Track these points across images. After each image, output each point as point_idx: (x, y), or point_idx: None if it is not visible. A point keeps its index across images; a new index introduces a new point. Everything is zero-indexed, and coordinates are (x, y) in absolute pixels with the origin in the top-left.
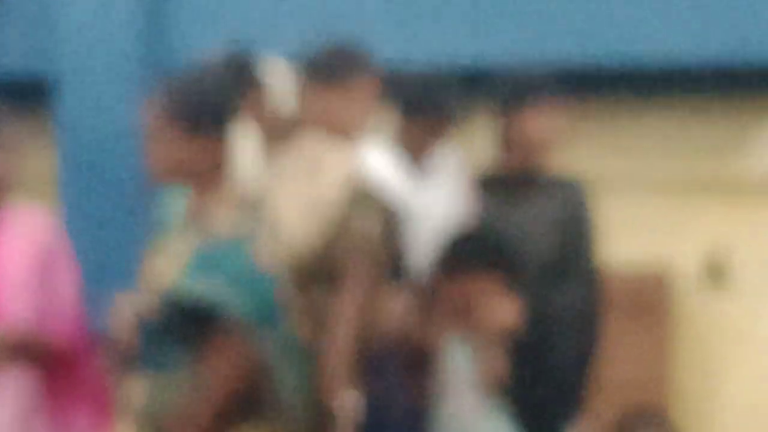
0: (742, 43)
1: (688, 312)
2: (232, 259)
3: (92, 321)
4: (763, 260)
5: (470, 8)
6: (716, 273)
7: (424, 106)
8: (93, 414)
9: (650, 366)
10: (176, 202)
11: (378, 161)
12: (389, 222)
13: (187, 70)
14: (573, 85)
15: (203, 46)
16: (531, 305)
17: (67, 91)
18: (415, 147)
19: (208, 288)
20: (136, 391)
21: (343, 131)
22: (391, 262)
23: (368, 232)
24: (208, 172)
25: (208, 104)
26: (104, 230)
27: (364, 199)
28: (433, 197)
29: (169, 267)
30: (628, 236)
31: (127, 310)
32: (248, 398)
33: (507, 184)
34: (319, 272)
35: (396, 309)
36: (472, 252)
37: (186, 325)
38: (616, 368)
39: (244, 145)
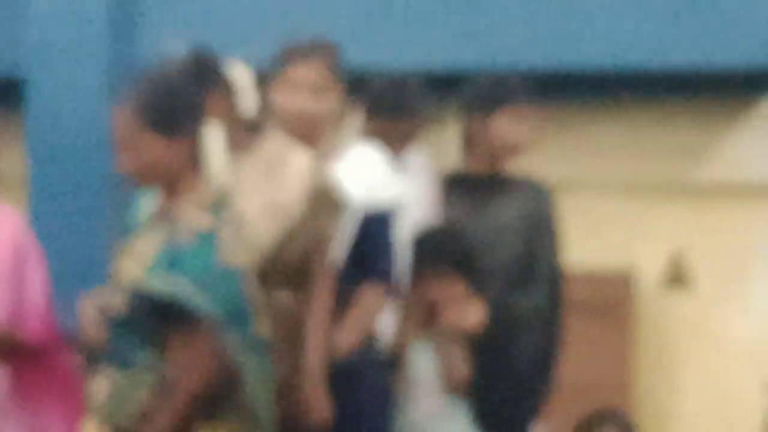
0: (707, 48)
1: (651, 313)
2: (198, 259)
3: (61, 320)
4: (724, 262)
5: (436, 13)
6: (678, 275)
7: (391, 107)
8: (64, 411)
9: (612, 366)
10: (147, 203)
11: (370, 161)
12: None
13: (153, 70)
14: (538, 89)
15: (174, 46)
16: (495, 306)
17: (36, 92)
18: (383, 149)
19: (174, 286)
20: (100, 387)
21: (308, 131)
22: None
23: (328, 232)
24: (177, 173)
25: (178, 105)
26: (74, 230)
27: (325, 198)
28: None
29: (137, 266)
30: (592, 238)
31: (93, 308)
32: (214, 396)
33: (474, 185)
34: (278, 272)
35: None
36: (435, 254)
37: (152, 322)
38: (579, 368)
39: (210, 145)
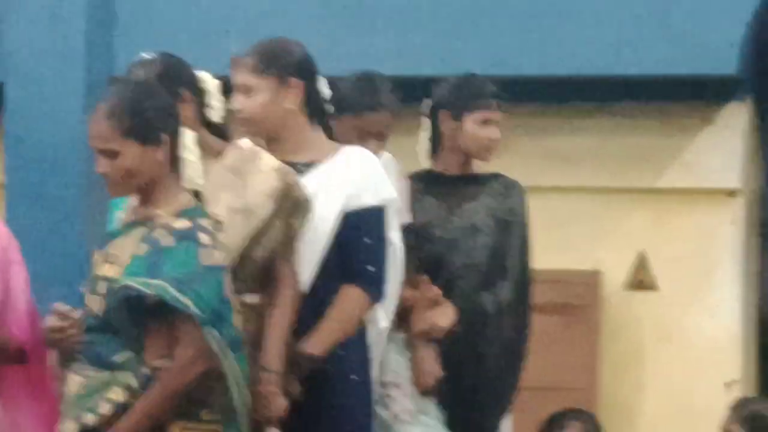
0: (671, 56)
1: (616, 314)
2: (180, 259)
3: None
4: (688, 266)
5: (405, 20)
6: (643, 277)
7: (357, 103)
8: (42, 412)
9: (578, 366)
10: (119, 212)
11: (359, 161)
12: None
13: (124, 76)
14: (507, 93)
15: (147, 53)
16: (465, 306)
17: (15, 99)
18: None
19: (159, 286)
20: (73, 385)
21: (258, 128)
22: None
23: (293, 232)
24: (153, 179)
25: (152, 112)
26: (51, 235)
27: (290, 198)
28: None
29: (114, 269)
30: (559, 241)
31: (69, 310)
32: (193, 396)
33: (446, 185)
34: (246, 273)
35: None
36: (406, 257)
37: (131, 324)
38: (545, 369)
39: (184, 151)
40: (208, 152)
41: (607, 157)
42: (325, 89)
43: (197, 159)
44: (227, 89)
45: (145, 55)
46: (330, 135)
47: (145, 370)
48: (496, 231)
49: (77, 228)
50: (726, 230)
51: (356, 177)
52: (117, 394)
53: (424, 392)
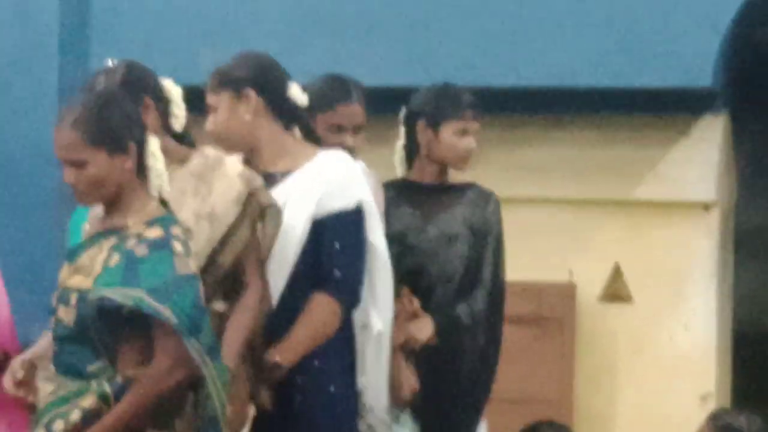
0: (647, 68)
1: (590, 326)
2: (155, 268)
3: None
4: (663, 278)
5: (380, 30)
6: (618, 290)
7: (329, 98)
8: (9, 423)
9: (552, 378)
10: (85, 219)
11: (334, 164)
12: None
13: (89, 84)
14: (481, 104)
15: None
16: (441, 316)
17: None
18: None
19: (136, 296)
20: (45, 394)
21: (222, 142)
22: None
23: (259, 238)
24: (120, 187)
25: (118, 120)
26: (22, 244)
27: (255, 204)
28: None
29: (85, 280)
30: (533, 252)
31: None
32: (169, 403)
33: (422, 194)
34: (213, 278)
35: None
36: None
37: (104, 334)
38: (519, 380)
39: (150, 158)
40: (172, 159)
41: (581, 169)
42: (298, 95)
43: (163, 166)
44: (199, 97)
45: (109, 63)
46: (315, 141)
47: (118, 379)
48: (471, 241)
49: (47, 237)
50: (701, 243)
51: (325, 182)
52: (89, 402)
53: (402, 404)
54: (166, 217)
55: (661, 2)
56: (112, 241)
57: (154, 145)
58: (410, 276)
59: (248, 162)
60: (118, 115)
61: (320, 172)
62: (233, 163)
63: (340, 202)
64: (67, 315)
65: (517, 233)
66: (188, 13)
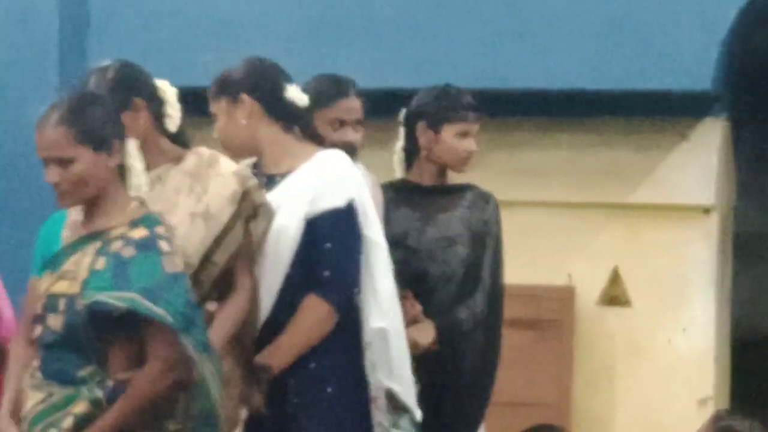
0: (646, 71)
1: (589, 330)
2: (145, 268)
3: None
4: (661, 281)
5: (378, 34)
6: (616, 293)
7: (327, 94)
8: None
9: (551, 382)
10: (62, 227)
11: (328, 163)
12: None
13: (80, 83)
14: (480, 106)
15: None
16: (442, 321)
17: None
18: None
19: (129, 298)
20: (35, 401)
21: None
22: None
23: (252, 237)
24: (104, 186)
25: (104, 118)
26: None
27: (249, 203)
28: None
29: (71, 285)
30: (531, 256)
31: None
32: (162, 405)
33: (421, 196)
34: (208, 278)
35: None
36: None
37: (95, 337)
38: (518, 384)
39: (132, 159)
40: (167, 158)
41: (580, 172)
42: (297, 96)
43: (142, 167)
44: (198, 98)
45: (102, 63)
46: (317, 140)
47: (109, 383)
48: (471, 242)
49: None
50: (700, 247)
51: (317, 182)
52: (81, 408)
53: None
54: (149, 217)
55: (660, 6)
56: (95, 245)
57: (132, 146)
58: (413, 279)
59: (257, 167)
60: (101, 113)
61: (315, 171)
62: (227, 161)
63: (331, 200)
64: (55, 321)
65: (516, 236)
66: (187, 14)
